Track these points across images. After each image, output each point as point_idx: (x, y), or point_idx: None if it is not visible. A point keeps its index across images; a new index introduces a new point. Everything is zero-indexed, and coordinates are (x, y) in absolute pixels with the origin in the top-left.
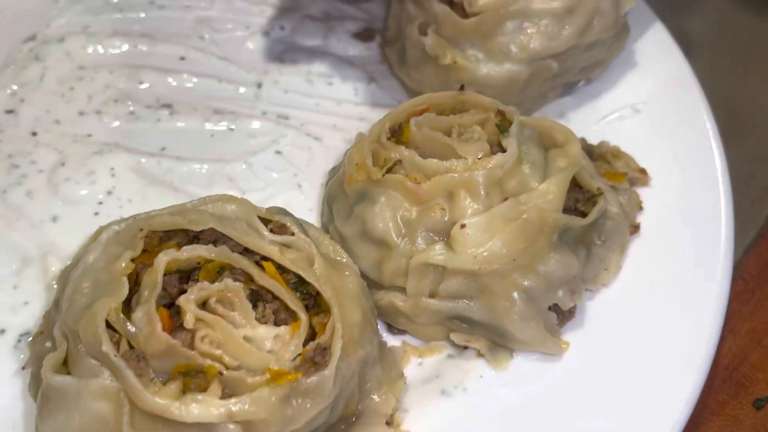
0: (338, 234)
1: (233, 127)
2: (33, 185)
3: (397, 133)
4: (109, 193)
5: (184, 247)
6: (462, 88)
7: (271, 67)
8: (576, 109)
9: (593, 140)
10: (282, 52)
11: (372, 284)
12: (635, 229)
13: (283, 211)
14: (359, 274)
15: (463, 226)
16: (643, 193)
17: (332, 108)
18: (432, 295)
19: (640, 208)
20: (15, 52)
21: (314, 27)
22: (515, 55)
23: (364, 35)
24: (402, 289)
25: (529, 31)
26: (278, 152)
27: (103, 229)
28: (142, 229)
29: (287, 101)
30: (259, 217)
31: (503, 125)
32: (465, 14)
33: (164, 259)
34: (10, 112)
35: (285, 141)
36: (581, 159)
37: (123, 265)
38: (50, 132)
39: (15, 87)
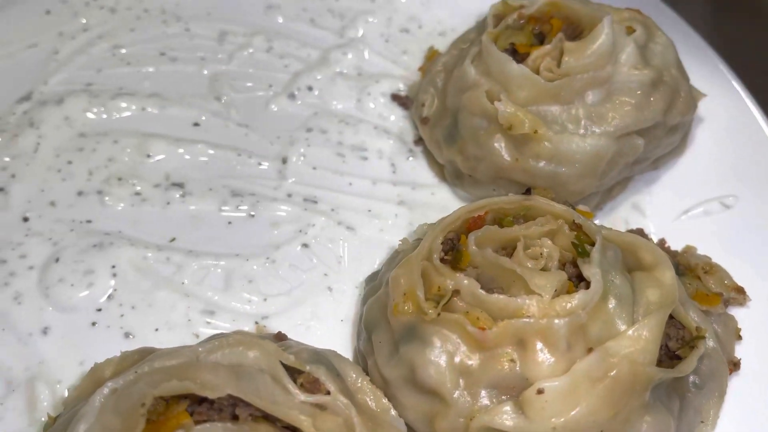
0: (379, 374)
1: (254, 213)
2: (22, 286)
3: (452, 252)
4: (110, 297)
5: (197, 428)
6: (528, 191)
7: (298, 136)
8: (652, 202)
9: (673, 241)
10: (310, 118)
11: None
12: (735, 366)
13: (316, 357)
14: None
15: (540, 391)
16: (739, 315)
17: (367, 189)
18: None
19: (739, 337)
20: (7, 114)
21: (346, 87)
22: (602, 128)
23: (402, 99)
24: None
25: (617, 101)
26: (305, 245)
27: (101, 380)
28: (144, 404)
29: (316, 180)
30: (286, 366)
31: (581, 243)
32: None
33: None
34: None
35: (313, 231)
36: (677, 292)
37: None
38: (44, 217)
39: (6, 159)
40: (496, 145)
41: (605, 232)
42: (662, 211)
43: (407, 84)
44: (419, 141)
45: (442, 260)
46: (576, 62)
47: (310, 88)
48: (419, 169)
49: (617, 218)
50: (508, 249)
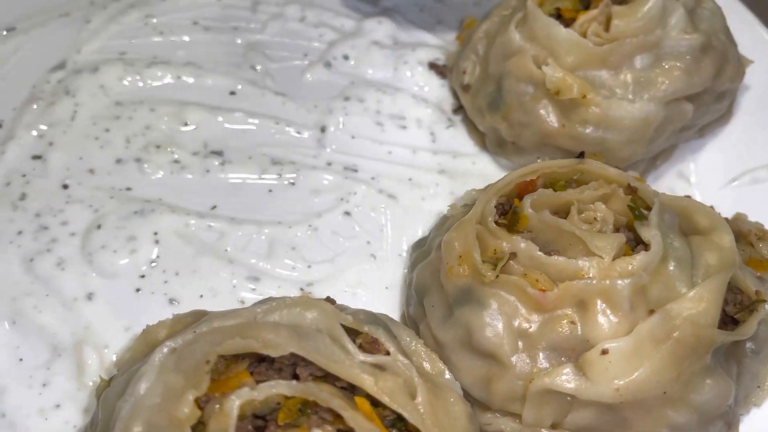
0: (432, 337)
1: (294, 181)
2: (64, 253)
3: (508, 215)
4: (153, 263)
5: (261, 385)
6: (582, 155)
7: (335, 105)
8: (698, 169)
9: (721, 209)
10: (347, 87)
11: (476, 404)
12: None
13: (373, 318)
14: (463, 398)
15: (604, 352)
16: None
17: (407, 157)
18: (554, 427)
19: None
20: (42, 83)
21: (382, 56)
22: (651, 93)
23: (439, 68)
24: (516, 416)
25: (666, 65)
26: (347, 213)
27: (155, 342)
28: (208, 362)
29: (355, 149)
30: (344, 326)
31: (637, 206)
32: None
33: (237, 402)
34: (37, 158)
35: (354, 199)
36: (737, 256)
37: (186, 411)
38: (83, 184)
39: (43, 127)
40: (542, 110)
41: (660, 196)
42: (708, 179)
43: (444, 53)
44: (458, 109)
45: (496, 223)
46: (625, 26)
47: (346, 57)
48: (459, 137)
49: (662, 187)
50: (561, 213)
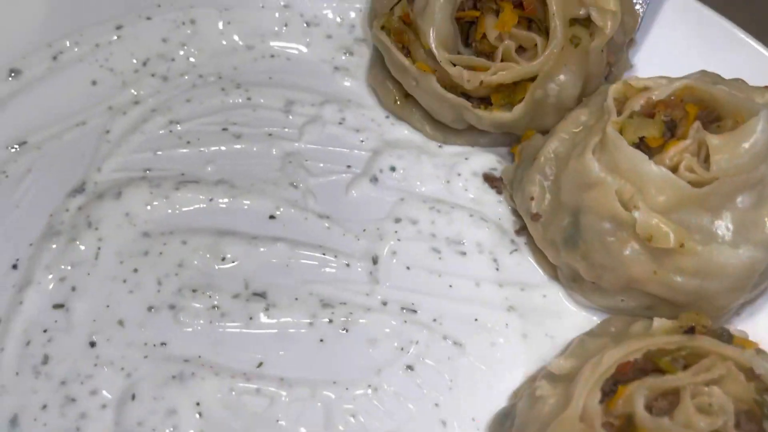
0: None
1: (347, 326)
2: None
3: (620, 420)
4: None
5: None
6: (692, 330)
7: (386, 228)
8: None
9: None
10: (396, 205)
11: None
12: None
13: None
14: None
15: None
16: None
17: (470, 292)
18: None
19: None
20: (60, 211)
21: (432, 165)
22: (756, 237)
23: (495, 180)
24: None
25: None
26: (409, 368)
27: None
28: None
29: (412, 283)
30: None
31: (766, 402)
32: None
33: None
34: (59, 306)
35: (416, 350)
36: None
37: None
38: (113, 341)
39: (65, 267)
40: (629, 254)
41: None
42: None
43: (498, 160)
44: (521, 230)
45: (605, 425)
46: (726, 164)
47: (392, 169)
48: (525, 264)
49: (761, 329)
50: (669, 395)
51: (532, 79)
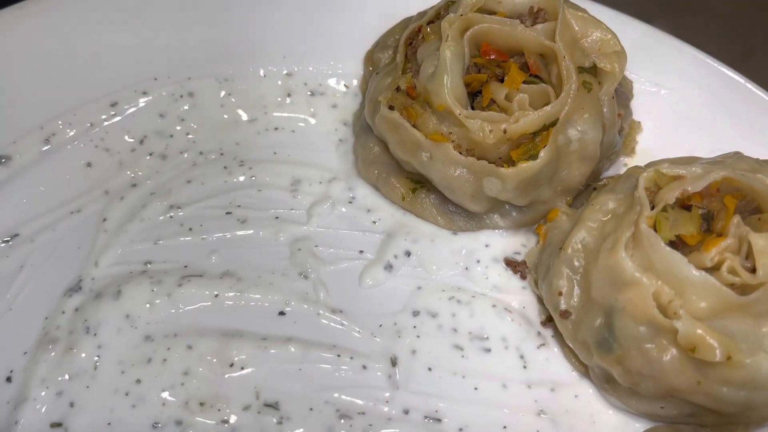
0: None
1: None
2: None
3: None
4: None
5: None
6: None
7: (404, 323)
8: None
9: None
10: (414, 295)
11: None
12: None
13: None
14: None
15: None
16: None
17: (497, 394)
18: None
19: None
20: (56, 313)
21: (449, 251)
22: None
23: (517, 265)
24: None
25: None
26: None
27: None
28: None
29: (435, 387)
30: None
31: None
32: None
33: None
34: (57, 425)
35: None
36: None
37: None
38: None
39: (63, 379)
40: (669, 363)
41: None
42: None
43: (520, 245)
44: (548, 321)
45: None
46: None
47: (408, 254)
48: (554, 361)
49: None
50: None
51: (552, 126)
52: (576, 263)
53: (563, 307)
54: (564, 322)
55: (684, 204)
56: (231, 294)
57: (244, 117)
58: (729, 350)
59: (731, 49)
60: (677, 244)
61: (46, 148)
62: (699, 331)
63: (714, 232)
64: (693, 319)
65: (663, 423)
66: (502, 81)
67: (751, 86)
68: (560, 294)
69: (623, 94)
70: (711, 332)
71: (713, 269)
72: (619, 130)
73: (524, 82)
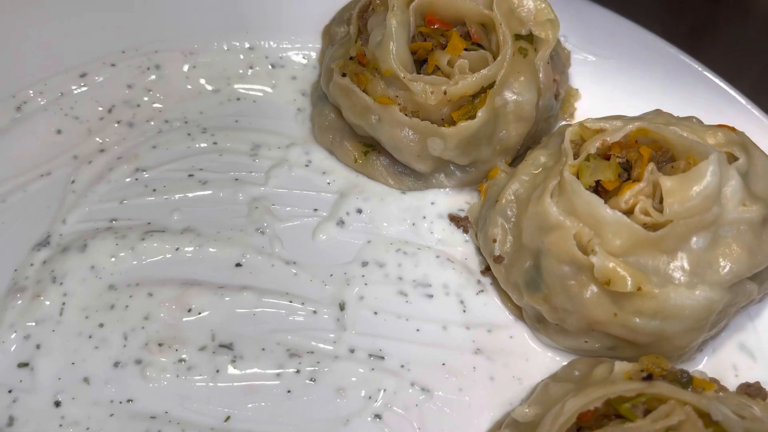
0: None
1: (315, 377)
2: None
3: None
4: None
5: None
6: (650, 377)
7: (353, 272)
8: (760, 341)
9: None
10: (363, 248)
11: None
12: None
13: None
14: None
15: None
16: None
17: (438, 335)
18: None
19: None
20: (25, 266)
21: (398, 209)
22: (712, 278)
23: (460, 221)
24: None
25: (725, 244)
26: (377, 417)
27: None
28: None
29: (380, 329)
30: None
31: None
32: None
33: None
34: (23, 365)
35: (384, 397)
36: None
37: None
38: (78, 399)
39: (30, 324)
40: (589, 297)
41: (747, 424)
42: None
43: (467, 203)
44: (487, 270)
45: None
46: (679, 206)
47: (359, 211)
48: (491, 305)
49: (724, 364)
50: None
51: (490, 88)
52: (509, 213)
53: (497, 252)
54: (498, 267)
55: (605, 155)
56: (190, 248)
57: (208, 88)
58: (639, 281)
59: (676, 29)
60: (598, 191)
61: (17, 115)
62: (611, 264)
63: (631, 179)
64: (608, 255)
65: (587, 357)
66: (445, 48)
67: (683, 57)
68: (495, 241)
69: (559, 60)
70: (623, 266)
71: (628, 212)
72: (556, 94)
73: (465, 50)
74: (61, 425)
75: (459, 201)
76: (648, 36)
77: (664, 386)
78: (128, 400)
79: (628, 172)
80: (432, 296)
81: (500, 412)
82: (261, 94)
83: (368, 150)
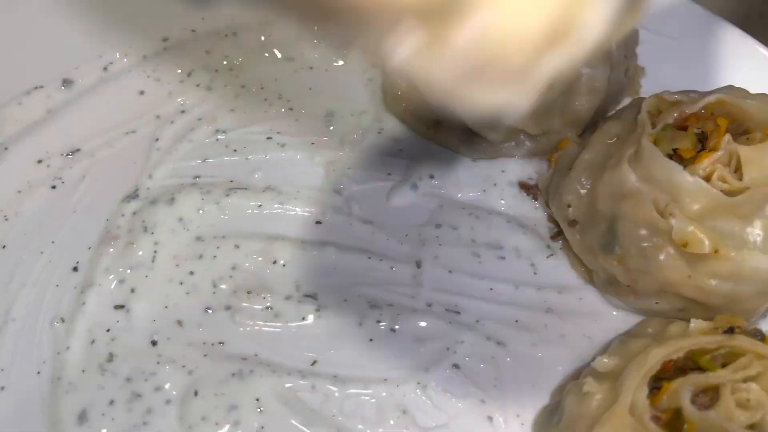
0: None
1: (395, 326)
2: (162, 426)
3: (667, 414)
4: None
5: None
6: (731, 330)
7: (428, 233)
8: None
9: None
10: (436, 212)
11: None
12: None
13: None
14: None
15: None
16: None
17: (510, 294)
18: None
19: None
20: (116, 216)
21: (468, 176)
22: None
23: (531, 188)
24: None
25: None
26: (456, 366)
27: None
28: None
29: (455, 286)
30: None
31: None
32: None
33: None
34: (120, 307)
35: (462, 349)
36: None
37: None
38: (173, 340)
39: (125, 270)
40: (664, 259)
41: None
42: None
43: (534, 169)
44: (557, 235)
45: (654, 420)
46: (758, 174)
47: (431, 177)
48: (561, 268)
49: None
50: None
51: None
52: (583, 180)
53: (572, 217)
54: (572, 230)
55: (682, 126)
56: (274, 205)
57: (283, 56)
58: (717, 244)
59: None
60: (674, 159)
61: (104, 75)
62: (691, 227)
63: (706, 150)
64: (686, 218)
65: (656, 318)
66: None
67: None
68: (569, 206)
69: (630, 38)
70: (702, 228)
71: (705, 179)
72: (625, 70)
73: None
74: (158, 362)
75: (528, 170)
76: (715, 19)
77: (745, 339)
78: (220, 342)
79: (703, 144)
80: (504, 258)
81: (572, 367)
82: (334, 64)
83: (440, 119)
